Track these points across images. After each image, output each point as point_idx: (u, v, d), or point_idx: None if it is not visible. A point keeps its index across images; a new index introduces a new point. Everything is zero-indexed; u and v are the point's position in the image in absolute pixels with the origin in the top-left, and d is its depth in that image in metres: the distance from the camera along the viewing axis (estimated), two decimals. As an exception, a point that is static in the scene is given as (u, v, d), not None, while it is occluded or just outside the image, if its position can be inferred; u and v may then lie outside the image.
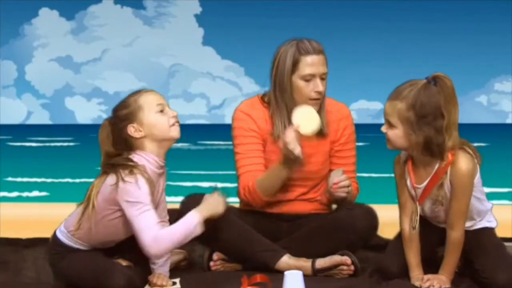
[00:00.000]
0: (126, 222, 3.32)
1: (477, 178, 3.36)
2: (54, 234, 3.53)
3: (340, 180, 3.65)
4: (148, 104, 3.41)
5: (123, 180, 3.28)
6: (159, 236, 3.25)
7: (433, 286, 3.33)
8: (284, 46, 3.69)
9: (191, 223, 3.33)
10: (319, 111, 3.70)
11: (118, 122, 3.41)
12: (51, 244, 3.55)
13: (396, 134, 3.27)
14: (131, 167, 3.31)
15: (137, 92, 3.45)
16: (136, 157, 3.38)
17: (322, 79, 3.68)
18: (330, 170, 3.83)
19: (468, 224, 3.43)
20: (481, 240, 3.45)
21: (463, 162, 3.28)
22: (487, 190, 3.51)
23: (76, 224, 3.41)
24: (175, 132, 3.43)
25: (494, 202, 3.63)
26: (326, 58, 3.70)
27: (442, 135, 3.21)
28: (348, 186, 3.67)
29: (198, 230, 3.33)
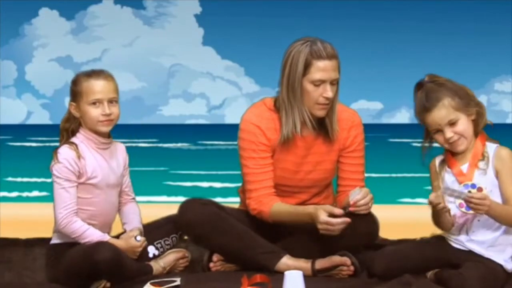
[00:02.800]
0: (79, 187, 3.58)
1: None
2: (49, 244, 3.65)
3: (356, 200, 3.53)
4: (86, 94, 3.57)
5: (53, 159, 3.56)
6: (74, 222, 3.51)
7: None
8: (297, 46, 3.60)
9: (98, 238, 3.52)
10: (330, 116, 3.67)
11: (70, 91, 3.65)
12: (47, 252, 3.66)
13: (464, 124, 3.37)
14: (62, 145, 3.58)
15: (92, 74, 3.60)
16: (78, 134, 3.61)
17: (332, 84, 3.61)
18: (348, 181, 3.79)
19: (489, 236, 3.38)
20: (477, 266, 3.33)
21: (505, 149, 3.41)
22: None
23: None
24: (102, 128, 3.60)
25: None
26: (339, 62, 3.63)
27: (477, 100, 3.43)
28: (367, 204, 3.56)
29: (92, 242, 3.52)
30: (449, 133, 3.37)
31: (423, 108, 3.38)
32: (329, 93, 3.59)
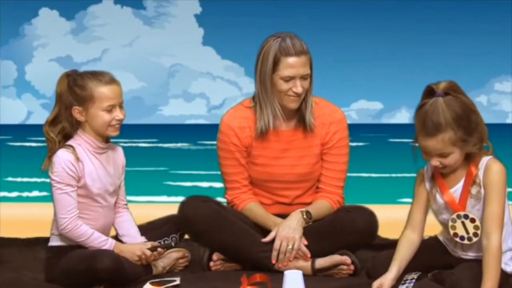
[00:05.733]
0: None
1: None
2: (48, 246, 3.65)
3: (274, 256, 3.67)
4: (101, 100, 3.51)
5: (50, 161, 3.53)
6: (79, 226, 3.49)
7: None
8: (269, 42, 3.68)
9: (103, 245, 3.52)
10: (304, 108, 3.73)
11: (70, 94, 3.53)
12: (46, 254, 3.67)
13: (455, 158, 3.20)
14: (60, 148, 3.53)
15: (100, 78, 3.53)
16: (75, 136, 3.55)
17: (304, 79, 3.68)
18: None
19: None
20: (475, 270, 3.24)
21: (495, 164, 3.23)
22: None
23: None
24: (112, 132, 3.57)
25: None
26: (309, 58, 3.69)
27: (481, 127, 3.22)
28: (287, 252, 3.66)
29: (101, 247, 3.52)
30: (435, 161, 3.20)
31: (421, 130, 3.17)
32: (299, 89, 3.65)
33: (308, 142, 3.80)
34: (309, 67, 3.70)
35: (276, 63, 3.66)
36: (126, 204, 3.78)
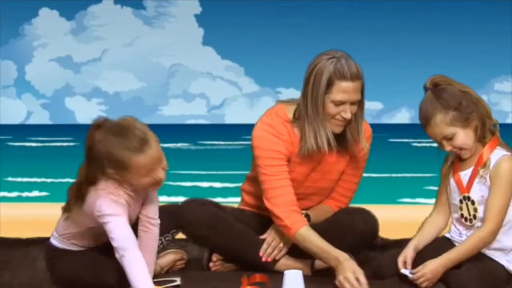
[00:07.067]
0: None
1: None
2: (49, 242, 3.57)
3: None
4: (137, 170, 3.25)
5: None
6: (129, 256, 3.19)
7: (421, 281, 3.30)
8: (323, 61, 3.51)
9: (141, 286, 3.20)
10: (354, 134, 3.63)
11: (104, 157, 3.23)
12: (47, 251, 3.60)
13: (461, 138, 3.32)
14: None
15: (138, 150, 3.24)
16: (110, 185, 3.28)
17: (353, 104, 3.55)
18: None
19: (492, 244, 3.34)
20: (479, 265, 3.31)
21: (507, 161, 3.32)
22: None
23: (65, 230, 3.46)
24: (152, 190, 3.39)
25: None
26: (362, 83, 3.54)
27: (481, 104, 3.36)
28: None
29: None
30: (447, 147, 3.35)
31: (421, 123, 3.38)
32: (348, 114, 3.53)
33: (337, 158, 3.72)
34: (361, 92, 3.56)
35: (329, 85, 3.50)
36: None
